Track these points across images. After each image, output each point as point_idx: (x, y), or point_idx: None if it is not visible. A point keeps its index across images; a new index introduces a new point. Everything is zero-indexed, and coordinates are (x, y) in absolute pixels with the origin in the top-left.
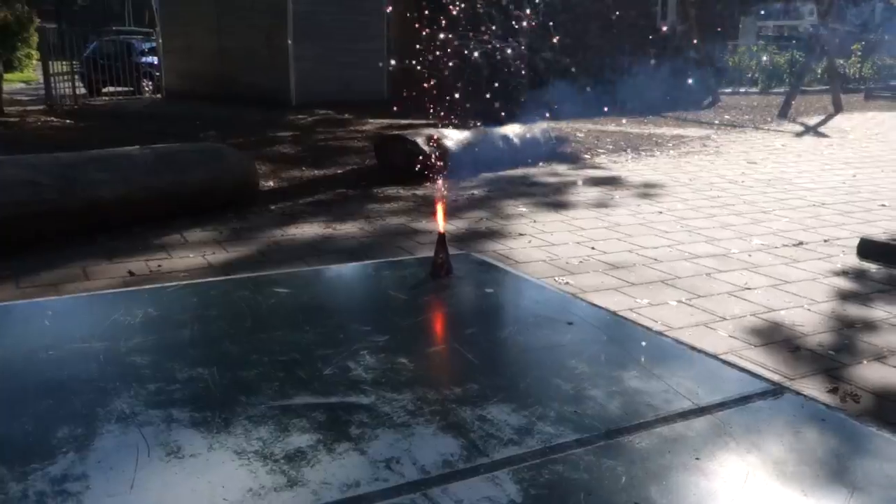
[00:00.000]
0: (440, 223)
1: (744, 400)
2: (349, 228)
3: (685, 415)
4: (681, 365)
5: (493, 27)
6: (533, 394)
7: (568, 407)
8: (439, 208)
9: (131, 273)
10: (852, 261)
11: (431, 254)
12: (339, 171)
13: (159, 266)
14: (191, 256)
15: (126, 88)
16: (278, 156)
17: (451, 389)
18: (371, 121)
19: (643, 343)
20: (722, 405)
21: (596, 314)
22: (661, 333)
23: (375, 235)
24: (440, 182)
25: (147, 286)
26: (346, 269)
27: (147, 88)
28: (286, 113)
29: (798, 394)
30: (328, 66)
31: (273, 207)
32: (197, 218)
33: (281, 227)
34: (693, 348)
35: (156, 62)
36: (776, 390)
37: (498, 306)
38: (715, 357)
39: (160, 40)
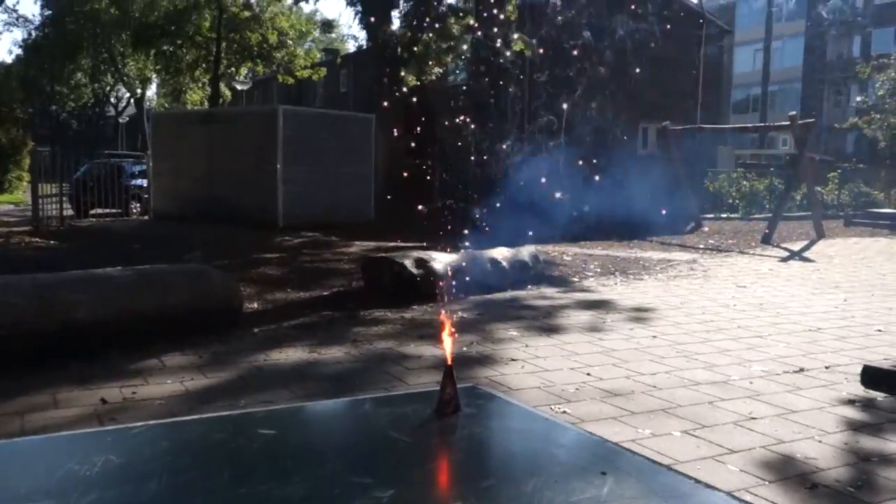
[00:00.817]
0: (448, 354)
1: None
2: (335, 353)
3: None
4: None
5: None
6: None
7: None
8: (446, 338)
9: (104, 401)
10: (857, 389)
11: (434, 386)
12: (324, 293)
13: (134, 393)
14: (168, 383)
15: (114, 210)
16: (263, 277)
17: None
18: (358, 243)
19: (688, 496)
20: None
21: (631, 461)
22: (709, 486)
23: (362, 360)
24: (444, 309)
25: (111, 427)
26: (341, 406)
27: (135, 210)
28: (273, 235)
29: None
30: (316, 189)
31: (257, 330)
32: (177, 341)
33: (264, 352)
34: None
35: (145, 184)
36: None
37: (517, 452)
38: None
39: (151, 163)
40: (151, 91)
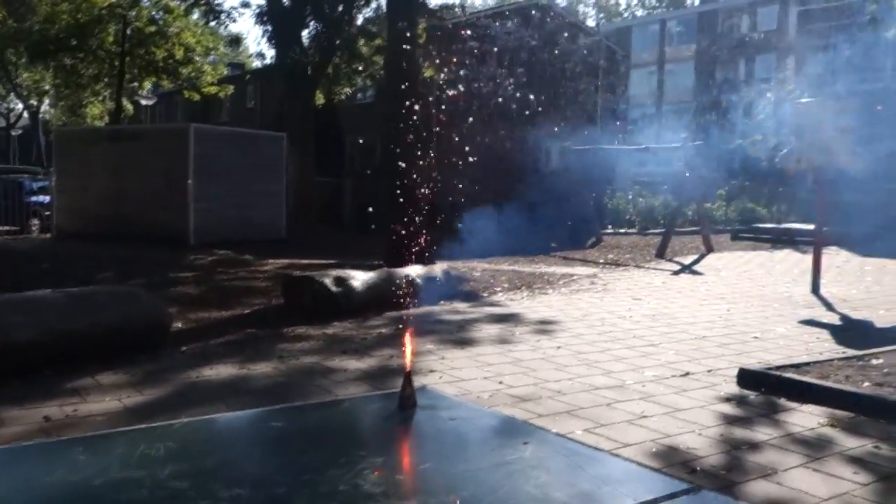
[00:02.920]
0: (407, 361)
1: (671, 496)
2: (264, 368)
3: None
4: (617, 472)
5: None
6: (501, 500)
7: None
8: (407, 346)
9: (47, 419)
10: (734, 389)
11: (370, 391)
12: (246, 312)
13: (75, 411)
14: (106, 400)
15: (12, 228)
16: (184, 296)
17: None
18: (272, 260)
19: (584, 456)
20: (655, 501)
21: (545, 435)
22: (598, 448)
23: (291, 375)
24: (408, 320)
25: (83, 434)
26: (322, 408)
27: (34, 227)
28: (185, 253)
29: (711, 491)
30: (227, 207)
31: (184, 349)
32: (109, 360)
33: (195, 369)
34: (627, 459)
35: (46, 201)
36: (695, 489)
37: (464, 433)
38: (646, 466)
39: (54, 179)
40: (46, 104)
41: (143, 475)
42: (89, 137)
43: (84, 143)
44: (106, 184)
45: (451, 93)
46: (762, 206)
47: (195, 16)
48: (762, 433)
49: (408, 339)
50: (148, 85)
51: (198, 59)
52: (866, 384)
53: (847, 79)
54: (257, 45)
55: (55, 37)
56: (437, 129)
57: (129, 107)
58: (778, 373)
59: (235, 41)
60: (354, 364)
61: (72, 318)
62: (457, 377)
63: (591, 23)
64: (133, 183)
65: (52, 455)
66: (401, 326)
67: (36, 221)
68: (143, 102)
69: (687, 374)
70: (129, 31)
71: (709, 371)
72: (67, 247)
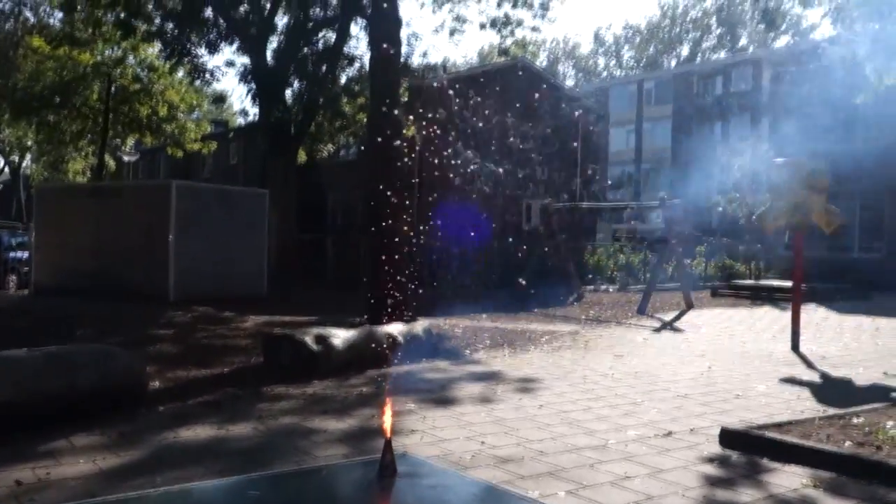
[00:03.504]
0: (387, 427)
1: None
2: (242, 429)
3: None
4: None
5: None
6: None
7: None
8: (387, 412)
9: (18, 482)
10: (715, 449)
11: (350, 453)
12: (225, 370)
13: (48, 474)
14: (81, 462)
15: None
16: (162, 355)
17: None
18: (252, 317)
19: None
20: None
21: None
22: None
23: (270, 435)
24: (388, 382)
25: None
26: (302, 476)
27: (11, 283)
28: (164, 309)
29: None
30: (208, 263)
31: (161, 409)
32: (83, 420)
33: (172, 429)
34: None
35: (24, 257)
36: None
37: (445, 500)
38: None
39: (33, 234)
40: (28, 159)
41: None
42: (70, 193)
43: (64, 199)
44: (86, 240)
45: (431, 152)
46: (741, 262)
47: (180, 74)
48: (745, 494)
49: (388, 405)
50: (131, 141)
51: (181, 116)
52: (848, 443)
53: (821, 139)
54: (241, 103)
55: (39, 94)
56: (418, 186)
57: (111, 163)
58: (760, 432)
59: (220, 99)
60: (335, 424)
61: (48, 378)
62: (438, 437)
63: (570, 83)
64: (113, 239)
65: None
66: (382, 386)
67: (13, 277)
68: (126, 159)
69: (669, 433)
70: (113, 89)
71: (691, 430)
72: (45, 303)
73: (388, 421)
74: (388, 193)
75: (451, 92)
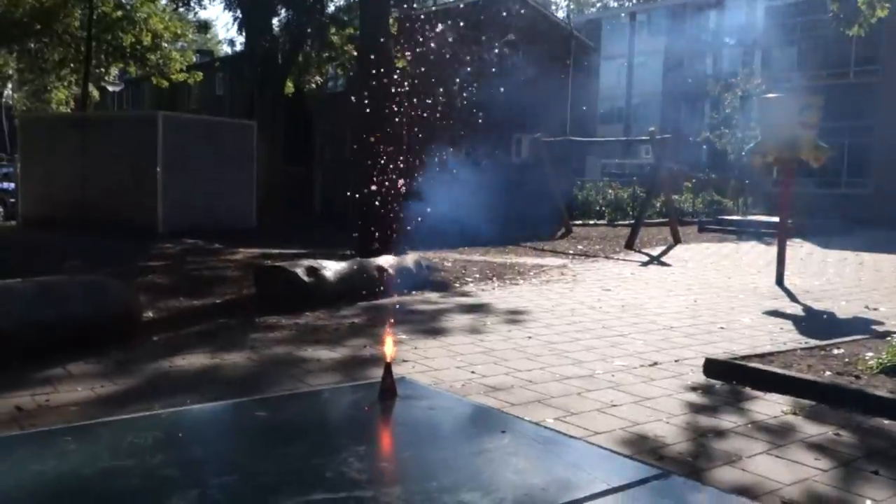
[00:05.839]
0: (388, 352)
1: (643, 482)
2: (236, 358)
3: (596, 496)
4: (591, 459)
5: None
6: (481, 485)
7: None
8: (388, 337)
9: (19, 409)
10: (700, 378)
11: (343, 380)
12: (217, 301)
13: (47, 401)
14: (79, 390)
15: None
16: (154, 286)
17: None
18: (242, 250)
19: (559, 444)
20: (627, 486)
21: (519, 424)
22: (572, 436)
23: (264, 364)
24: (389, 312)
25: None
26: (305, 398)
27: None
28: (153, 242)
29: (680, 476)
30: (196, 195)
31: (155, 339)
32: (79, 350)
33: (167, 358)
34: (600, 446)
35: (11, 188)
36: (665, 474)
37: (444, 422)
38: (618, 453)
39: (19, 166)
40: (9, 88)
41: (132, 464)
42: (55, 123)
43: (49, 130)
44: (72, 171)
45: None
46: (728, 198)
47: (163, 1)
48: (727, 421)
49: (388, 330)
50: (115, 71)
51: (166, 45)
52: (828, 373)
53: (811, 74)
54: (227, 32)
55: (19, 20)
56: (408, 119)
57: (95, 93)
58: (743, 362)
59: (204, 27)
60: (327, 354)
61: (40, 308)
62: (430, 367)
63: (561, 14)
64: (101, 171)
65: (40, 444)
66: (373, 316)
67: (0, 209)
68: (110, 88)
69: (655, 363)
70: (95, 16)
71: (676, 361)
72: (33, 235)
73: (389, 345)
74: (377, 126)
75: (440, 26)
